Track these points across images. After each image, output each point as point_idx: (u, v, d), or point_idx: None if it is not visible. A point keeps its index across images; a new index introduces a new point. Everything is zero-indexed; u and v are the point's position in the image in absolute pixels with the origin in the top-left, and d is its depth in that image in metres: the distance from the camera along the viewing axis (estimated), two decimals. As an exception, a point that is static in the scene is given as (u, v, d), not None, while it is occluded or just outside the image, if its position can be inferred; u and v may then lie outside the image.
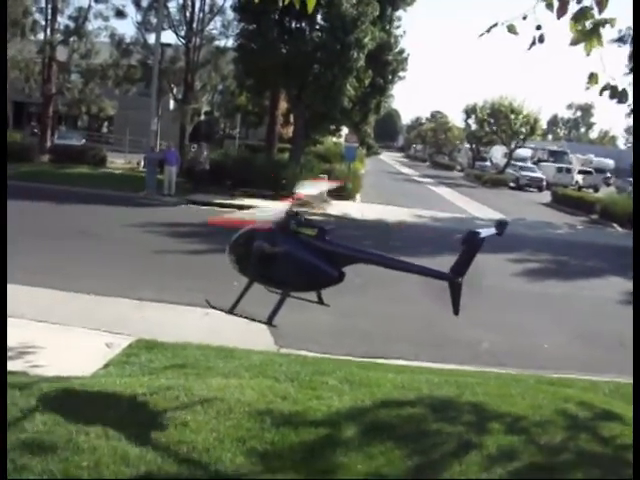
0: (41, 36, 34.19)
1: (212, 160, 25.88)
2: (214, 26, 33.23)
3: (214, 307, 7.97)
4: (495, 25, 4.31)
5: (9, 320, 8.44)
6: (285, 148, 32.60)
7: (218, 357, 7.04)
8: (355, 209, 24.59)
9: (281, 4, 4.77)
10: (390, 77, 32.97)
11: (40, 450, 4.15)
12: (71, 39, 33.49)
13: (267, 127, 31.44)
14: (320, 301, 8.63)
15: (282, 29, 25.87)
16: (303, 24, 26.32)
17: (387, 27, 31.04)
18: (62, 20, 34.14)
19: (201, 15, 32.23)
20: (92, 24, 33.87)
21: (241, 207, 21.84)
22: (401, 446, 4.70)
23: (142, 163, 31.23)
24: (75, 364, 7.00)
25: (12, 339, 7.68)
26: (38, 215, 17.90)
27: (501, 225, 6.59)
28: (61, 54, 34.19)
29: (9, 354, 7.11)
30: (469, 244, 6.72)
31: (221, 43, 33.43)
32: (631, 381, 5.93)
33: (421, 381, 6.59)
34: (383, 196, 31.42)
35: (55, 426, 4.52)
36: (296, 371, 6.41)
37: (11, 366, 6.70)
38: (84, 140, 41.40)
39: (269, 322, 7.42)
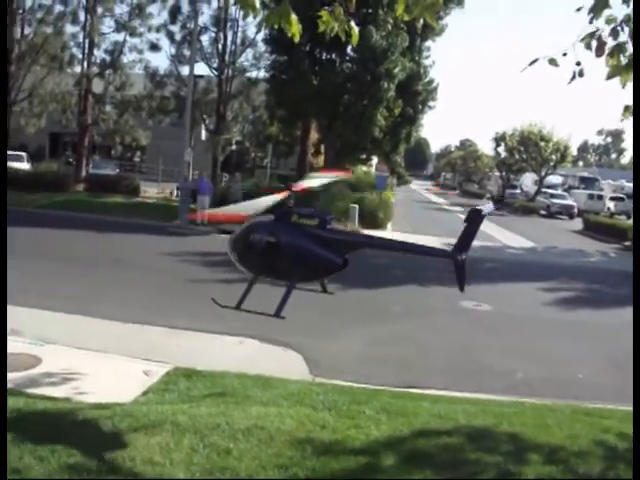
0: (78, 69, 35.15)
1: (244, 190, 26.12)
2: (245, 58, 33.80)
3: (220, 305, 8.09)
4: (536, 60, 4.40)
5: (53, 347, 8.72)
6: (316, 177, 32.78)
7: (256, 386, 7.11)
8: (387, 237, 24.61)
9: (320, 34, 4.93)
10: (420, 107, 33.18)
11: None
12: (107, 72, 34.33)
13: (298, 157, 31.78)
14: (324, 290, 8.72)
15: (313, 60, 26.26)
16: (334, 55, 26.71)
17: (416, 57, 31.31)
18: (98, 54, 35.18)
19: (233, 47, 32.87)
20: (127, 57, 34.82)
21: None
22: (440, 475, 4.73)
23: (175, 192, 31.66)
24: (115, 391, 7.14)
25: (55, 365, 7.92)
26: (74, 243, 18.25)
27: (498, 201, 6.61)
28: (97, 86, 35.05)
29: (53, 380, 7.32)
30: (471, 221, 6.80)
31: (252, 74, 33.97)
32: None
33: (458, 411, 6.60)
34: (414, 225, 31.44)
35: (101, 451, 4.63)
36: (333, 400, 6.46)
37: (55, 392, 6.90)
38: (118, 170, 42.08)
39: (277, 315, 7.52)
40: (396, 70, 25.76)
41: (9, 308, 10.69)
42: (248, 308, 7.85)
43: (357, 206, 25.31)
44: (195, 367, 8.02)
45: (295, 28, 4.74)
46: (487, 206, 6.59)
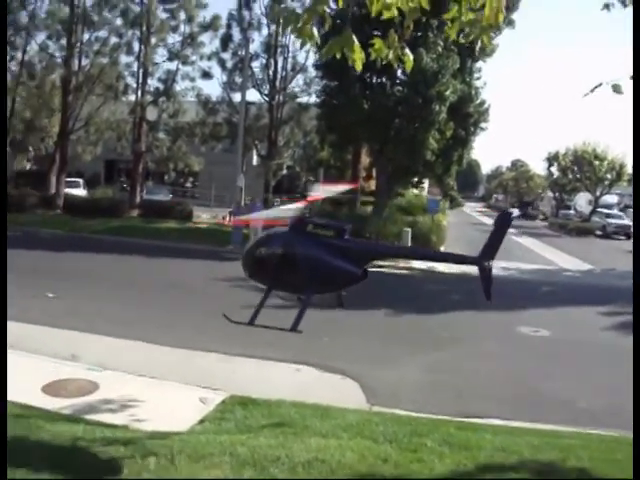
0: (132, 98, 36.00)
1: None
2: (296, 83, 34.18)
3: (233, 321, 7.95)
4: (599, 85, 4.28)
5: (110, 373, 8.79)
6: (367, 201, 32.80)
7: (314, 415, 7.00)
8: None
9: (374, 57, 4.88)
10: (472, 129, 32.93)
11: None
12: (160, 100, 35.05)
13: (350, 180, 31.78)
14: (341, 304, 8.52)
15: (364, 85, 26.31)
16: (384, 79, 26.72)
17: (467, 79, 31.13)
18: (152, 82, 36.00)
19: (283, 73, 33.25)
20: (180, 85, 35.59)
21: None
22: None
23: (227, 217, 31.94)
24: (172, 419, 7.13)
25: (113, 392, 7.96)
26: (129, 268, 18.53)
27: (523, 206, 6.34)
28: (151, 114, 35.80)
29: (111, 407, 7.36)
30: (500, 226, 6.58)
31: (303, 99, 34.29)
32: None
33: (521, 444, 6.38)
34: (467, 248, 30.96)
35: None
36: (393, 432, 6.31)
37: (114, 419, 6.93)
38: (171, 195, 42.73)
39: (293, 329, 7.35)
40: (447, 92, 25.63)
41: (67, 333, 10.98)
42: (263, 323, 7.69)
43: (410, 230, 25.13)
44: (251, 395, 7.96)
45: (358, 56, 4.70)
46: (514, 211, 6.40)
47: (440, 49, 25.68)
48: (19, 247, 22.20)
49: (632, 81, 4.58)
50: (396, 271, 21.66)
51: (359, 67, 4.85)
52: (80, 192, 38.46)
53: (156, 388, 8.38)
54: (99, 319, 11.96)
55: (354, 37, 4.64)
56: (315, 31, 4.68)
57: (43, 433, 5.44)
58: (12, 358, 9.37)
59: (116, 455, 4.92)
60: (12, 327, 11.30)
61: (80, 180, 42.37)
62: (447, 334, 12.98)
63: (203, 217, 34.57)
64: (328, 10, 4.61)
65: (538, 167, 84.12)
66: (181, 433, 6.30)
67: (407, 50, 5.18)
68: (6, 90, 29.17)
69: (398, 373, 10.11)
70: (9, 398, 7.30)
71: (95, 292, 14.46)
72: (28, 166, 50.79)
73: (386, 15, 4.72)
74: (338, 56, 4.61)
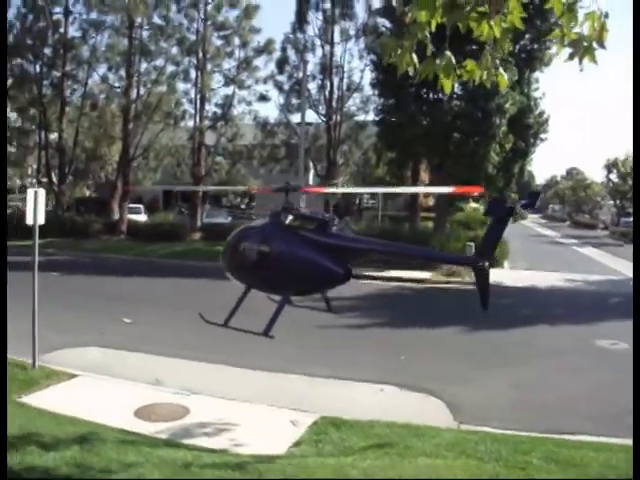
0: (191, 123, 36.76)
1: (355, 233, 26.18)
2: (353, 102, 34.35)
3: (208, 322, 7.77)
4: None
5: (199, 397, 8.94)
6: (426, 217, 32.69)
7: (409, 435, 6.99)
8: (505, 276, 24.02)
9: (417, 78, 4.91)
10: (532, 140, 32.54)
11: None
12: (218, 124, 35.64)
13: (410, 197, 31.75)
14: (329, 308, 8.12)
15: (421, 101, 26.29)
16: (441, 95, 26.64)
17: (526, 90, 30.80)
18: (209, 107, 36.74)
19: (340, 93, 33.46)
20: (237, 109, 36.13)
21: (390, 279, 22.03)
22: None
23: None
24: (267, 442, 7.22)
25: (205, 415, 8.11)
26: (198, 292, 18.75)
27: (532, 196, 5.88)
28: (209, 138, 36.42)
29: (206, 430, 7.49)
30: (495, 216, 5.96)
31: (360, 118, 34.43)
32: None
33: (627, 460, 6.25)
34: (530, 261, 30.61)
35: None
36: (496, 450, 6.26)
37: (211, 443, 7.05)
38: (230, 218, 43.22)
39: (265, 334, 7.03)
40: (507, 105, 25.40)
41: (151, 357, 11.20)
42: (236, 326, 7.43)
43: (473, 244, 24.89)
44: (338, 416, 7.99)
45: (452, 82, 4.74)
46: (518, 202, 5.92)
47: (498, 61, 25.48)
48: (91, 273, 22.86)
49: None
50: (462, 287, 21.47)
51: (448, 90, 4.88)
52: (141, 217, 39.28)
53: (245, 411, 8.49)
54: (176, 343, 12.18)
55: (453, 59, 4.68)
56: (415, 57, 4.74)
57: (154, 459, 5.56)
58: (99, 383, 9.69)
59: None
60: (95, 352, 11.67)
61: (141, 206, 43.27)
62: (524, 350, 12.81)
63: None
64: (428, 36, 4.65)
65: (596, 175, 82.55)
66: (280, 456, 6.37)
67: (501, 70, 5.19)
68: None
69: (481, 390, 10.02)
70: (104, 422, 7.54)
71: (168, 316, 14.72)
72: (87, 193, 52.08)
73: (484, 37, 4.75)
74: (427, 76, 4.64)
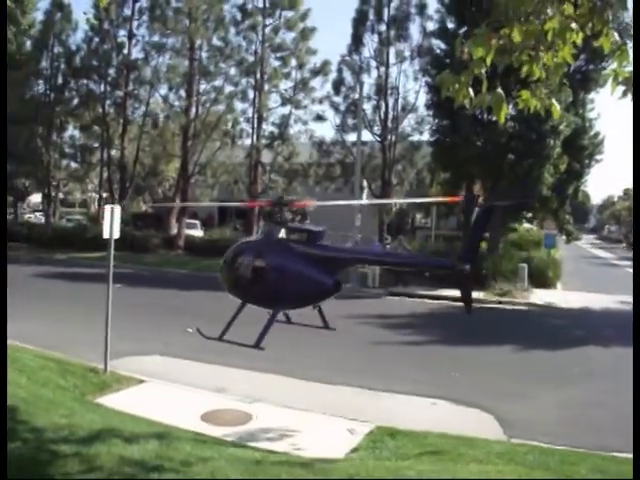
0: (248, 142, 37.66)
1: (410, 252, 26.50)
2: (407, 123, 34.76)
3: (204, 336, 8.11)
4: None
5: (261, 405, 9.43)
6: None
7: (461, 445, 7.34)
8: (558, 297, 24.03)
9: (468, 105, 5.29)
10: (587, 161, 32.45)
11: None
12: (275, 143, 36.44)
13: (464, 218, 31.86)
14: (326, 326, 8.38)
15: (476, 122, 26.51)
16: (496, 116, 26.85)
17: (581, 111, 30.80)
18: (266, 126, 37.61)
19: (395, 114, 33.93)
20: (293, 128, 36.90)
21: (444, 298, 22.25)
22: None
23: (342, 256, 32.40)
24: (326, 447, 7.66)
25: (267, 422, 8.59)
26: (252, 307, 19.26)
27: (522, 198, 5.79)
28: (266, 157, 37.25)
29: (269, 435, 7.97)
30: (482, 221, 5.96)
31: (415, 138, 34.79)
32: None
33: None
34: (584, 282, 30.41)
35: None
36: (544, 460, 6.58)
37: (274, 446, 7.51)
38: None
39: (256, 346, 7.32)
40: (562, 126, 25.47)
41: (212, 366, 11.75)
42: (231, 339, 7.75)
43: (526, 266, 24.98)
44: (396, 426, 8.37)
45: (504, 112, 5.13)
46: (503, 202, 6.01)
47: (554, 83, 25.60)
48: (151, 285, 23.68)
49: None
50: (515, 307, 21.63)
51: (502, 120, 5.25)
52: (198, 233, 40.23)
53: (305, 419, 8.94)
54: (236, 355, 12.71)
55: (503, 95, 5.08)
56: (471, 91, 5.17)
57: (227, 456, 6.05)
58: (165, 389, 10.29)
59: (300, 477, 5.44)
60: (158, 360, 12.29)
61: (198, 222, 44.30)
62: (576, 370, 12.96)
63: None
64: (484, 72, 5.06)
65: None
66: (340, 459, 6.79)
67: (554, 100, 5.55)
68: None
69: (532, 407, 10.26)
70: (174, 424, 8.08)
71: (231, 330, 15.27)
72: (144, 208, 53.43)
73: (535, 75, 5.14)
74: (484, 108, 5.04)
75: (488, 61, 5.08)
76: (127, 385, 10.21)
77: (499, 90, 5.06)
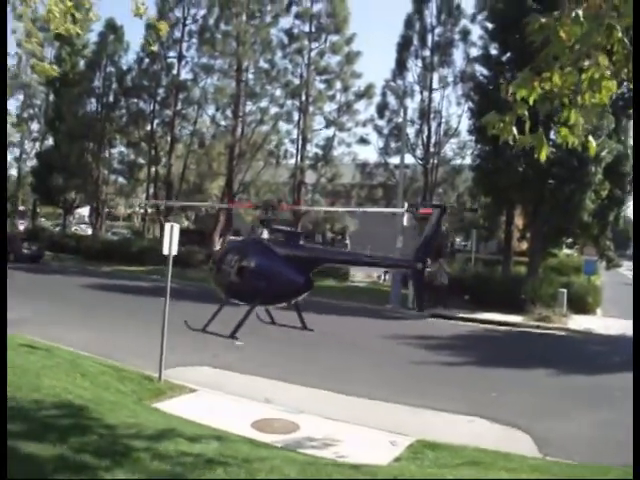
0: (292, 162, 38.46)
1: (450, 275, 26.81)
2: (450, 147, 35.23)
3: (191, 328, 8.71)
4: None
5: (306, 416, 9.94)
6: (519, 261, 32.85)
7: (498, 459, 7.75)
8: (598, 324, 24.08)
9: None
10: (629, 188, 32.38)
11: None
12: (318, 164, 37.12)
13: (504, 241, 32.08)
14: (304, 326, 8.88)
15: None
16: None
17: (622, 138, 30.81)
18: (310, 148, 38.35)
19: (437, 138, 34.42)
20: (337, 150, 37.55)
21: (483, 321, 22.56)
22: None
23: (382, 277, 32.91)
24: (369, 456, 8.11)
25: (312, 431, 9.09)
26: (295, 324, 19.74)
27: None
28: (309, 177, 37.94)
29: (314, 444, 8.47)
30: (436, 220, 6.35)
31: (457, 162, 35.21)
32: None
33: None
34: (624, 309, 30.25)
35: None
36: (572, 472, 6.95)
37: (319, 453, 8.01)
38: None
39: (232, 336, 7.95)
40: (603, 153, 25.59)
41: (258, 378, 12.30)
42: (211, 331, 8.40)
43: (565, 291, 25.11)
44: (436, 440, 8.81)
45: (545, 150, 5.59)
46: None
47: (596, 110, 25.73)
48: (196, 300, 24.28)
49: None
50: (553, 332, 21.79)
51: (543, 158, 5.70)
52: (241, 250, 40.87)
53: (349, 431, 9.43)
54: (275, 366, 13.35)
55: (544, 137, 5.56)
56: (514, 129, 5.67)
57: (281, 457, 6.58)
58: (216, 398, 10.90)
59: (350, 477, 5.94)
60: (208, 371, 12.90)
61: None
62: (613, 393, 13.16)
63: (358, 276, 35.68)
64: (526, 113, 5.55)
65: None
66: (384, 466, 7.27)
67: (590, 137, 6.01)
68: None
69: (567, 427, 10.56)
70: (227, 429, 8.63)
71: (269, 344, 15.81)
72: (186, 224, 54.41)
73: (572, 120, 5.63)
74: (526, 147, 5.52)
75: (531, 101, 5.57)
76: (180, 393, 10.83)
77: (540, 131, 5.56)
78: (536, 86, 5.46)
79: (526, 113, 5.54)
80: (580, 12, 5.03)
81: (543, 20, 5.11)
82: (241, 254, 8.38)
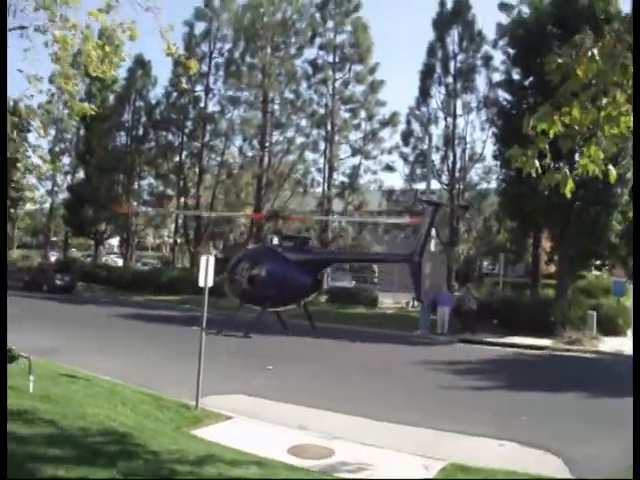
0: (319, 190, 38.93)
1: (478, 299, 26.82)
2: (475, 172, 35.46)
3: (207, 332, 8.97)
4: None
5: (340, 442, 10.15)
6: (547, 284, 32.78)
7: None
8: (629, 345, 23.91)
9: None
10: (655, 207, 32.26)
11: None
12: (345, 192, 37.53)
13: (532, 264, 32.08)
14: (312, 325, 9.08)
15: (542, 171, 26.85)
16: (561, 164, 27.15)
17: (647, 158, 30.77)
18: (337, 176, 38.84)
19: (462, 163, 34.66)
20: (363, 178, 37.98)
21: (512, 345, 22.57)
22: None
23: (411, 303, 33.01)
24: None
25: (347, 457, 9.32)
26: (327, 351, 19.96)
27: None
28: (336, 205, 38.38)
29: (349, 468, 8.71)
30: (429, 219, 6.64)
31: (482, 187, 35.38)
32: None
33: None
34: (656, 332, 30.08)
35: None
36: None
37: (355, 477, 8.22)
38: (354, 282, 44.47)
39: (246, 335, 8.27)
40: (629, 174, 25.65)
41: (291, 407, 12.56)
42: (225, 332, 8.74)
43: (595, 313, 25.03)
44: (467, 464, 8.98)
45: (570, 186, 5.85)
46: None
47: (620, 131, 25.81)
48: (227, 328, 24.70)
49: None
50: (583, 355, 21.76)
51: (569, 194, 5.95)
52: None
53: (382, 455, 9.65)
54: (307, 392, 13.59)
55: (568, 173, 5.83)
56: (537, 162, 5.96)
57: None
58: (251, 425, 11.20)
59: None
60: (242, 399, 13.18)
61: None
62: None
63: (386, 302, 35.73)
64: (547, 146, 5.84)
65: None
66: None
67: (610, 166, 6.25)
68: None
69: (598, 450, 10.61)
70: (264, 455, 8.89)
71: (300, 370, 16.10)
72: (214, 253, 54.83)
73: (592, 154, 5.90)
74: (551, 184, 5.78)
75: (551, 135, 5.85)
76: (216, 420, 11.11)
77: (565, 171, 5.83)
78: (556, 120, 5.75)
79: (547, 147, 5.83)
80: (595, 51, 5.34)
81: (560, 60, 5.42)
82: (253, 261, 8.88)
